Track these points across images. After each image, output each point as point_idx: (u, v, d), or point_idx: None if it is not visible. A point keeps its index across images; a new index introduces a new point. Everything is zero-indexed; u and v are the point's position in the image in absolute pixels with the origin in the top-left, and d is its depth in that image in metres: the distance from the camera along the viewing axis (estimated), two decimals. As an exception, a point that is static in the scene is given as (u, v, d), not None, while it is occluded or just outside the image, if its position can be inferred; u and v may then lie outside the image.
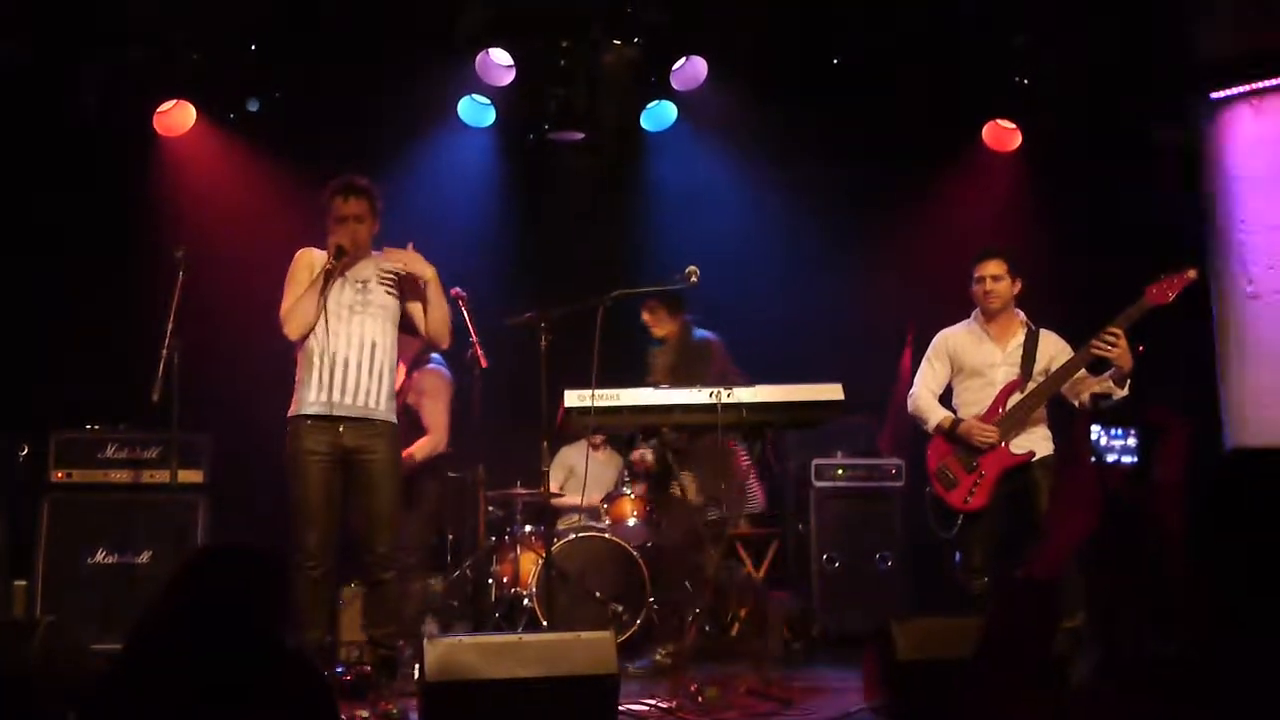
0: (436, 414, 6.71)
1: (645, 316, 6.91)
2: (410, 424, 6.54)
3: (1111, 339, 5.57)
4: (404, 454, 6.17)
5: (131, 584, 6.52)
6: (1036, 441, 5.85)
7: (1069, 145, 8.47)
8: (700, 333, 6.72)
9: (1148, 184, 8.08)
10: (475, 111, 8.58)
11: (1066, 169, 8.49)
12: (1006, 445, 5.80)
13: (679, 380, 6.40)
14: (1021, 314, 6.03)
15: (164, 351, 5.86)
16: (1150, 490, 2.10)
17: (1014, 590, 2.15)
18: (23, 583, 6.80)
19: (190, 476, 6.93)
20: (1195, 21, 7.59)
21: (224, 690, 2.64)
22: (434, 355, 6.73)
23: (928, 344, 6.24)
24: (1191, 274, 5.66)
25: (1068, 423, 5.97)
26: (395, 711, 5.09)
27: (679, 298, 6.73)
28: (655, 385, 6.39)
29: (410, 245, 5.48)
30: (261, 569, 2.79)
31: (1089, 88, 8.10)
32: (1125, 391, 5.73)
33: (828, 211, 8.69)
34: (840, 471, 8.06)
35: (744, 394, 5.49)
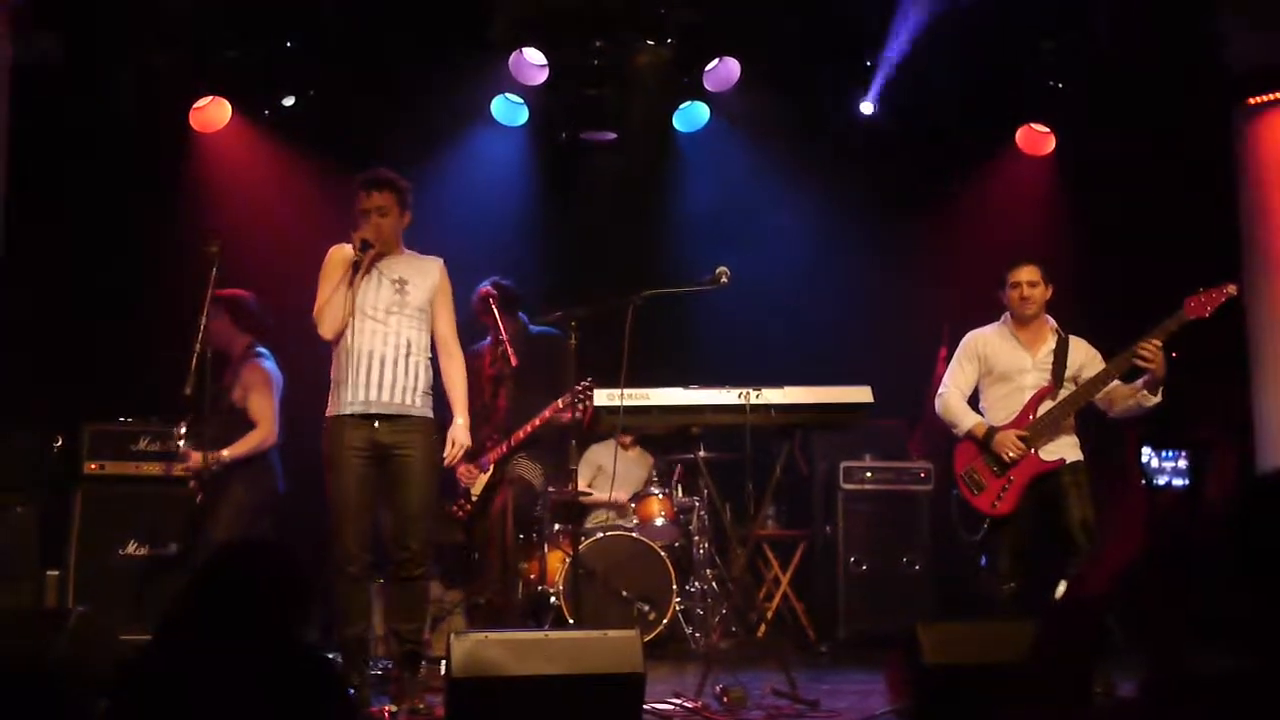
0: (263, 408, 6.41)
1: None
2: (237, 421, 6.40)
3: (1150, 350, 5.56)
4: (221, 454, 6.18)
5: (162, 575, 6.56)
6: (1065, 448, 5.83)
7: (1103, 149, 8.43)
8: (537, 329, 6.66)
9: (1182, 189, 8.03)
10: (508, 110, 8.61)
11: (1100, 173, 8.45)
12: (1036, 452, 5.78)
13: (521, 376, 6.44)
14: (1052, 321, 6.01)
15: (197, 345, 5.89)
16: (1202, 509, 2.11)
17: (1063, 608, 2.15)
18: (55, 573, 6.87)
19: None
20: (1230, 27, 7.54)
21: (244, 685, 2.66)
22: (260, 349, 6.52)
23: (961, 347, 6.22)
24: (1231, 289, 5.63)
25: (1104, 433, 5.94)
26: (421, 707, 5.12)
27: (515, 298, 6.69)
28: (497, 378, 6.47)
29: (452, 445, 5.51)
30: (279, 566, 2.80)
31: (1123, 92, 8.06)
32: (1158, 399, 5.71)
33: (860, 213, 8.67)
34: (868, 474, 8.04)
35: (773, 395, 5.50)
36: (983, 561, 5.92)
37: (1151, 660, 2.03)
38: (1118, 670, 4.73)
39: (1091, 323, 6.18)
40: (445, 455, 5.47)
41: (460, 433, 5.50)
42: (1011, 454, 5.75)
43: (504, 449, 6.62)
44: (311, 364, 5.90)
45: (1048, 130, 8.75)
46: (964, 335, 6.20)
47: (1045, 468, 5.76)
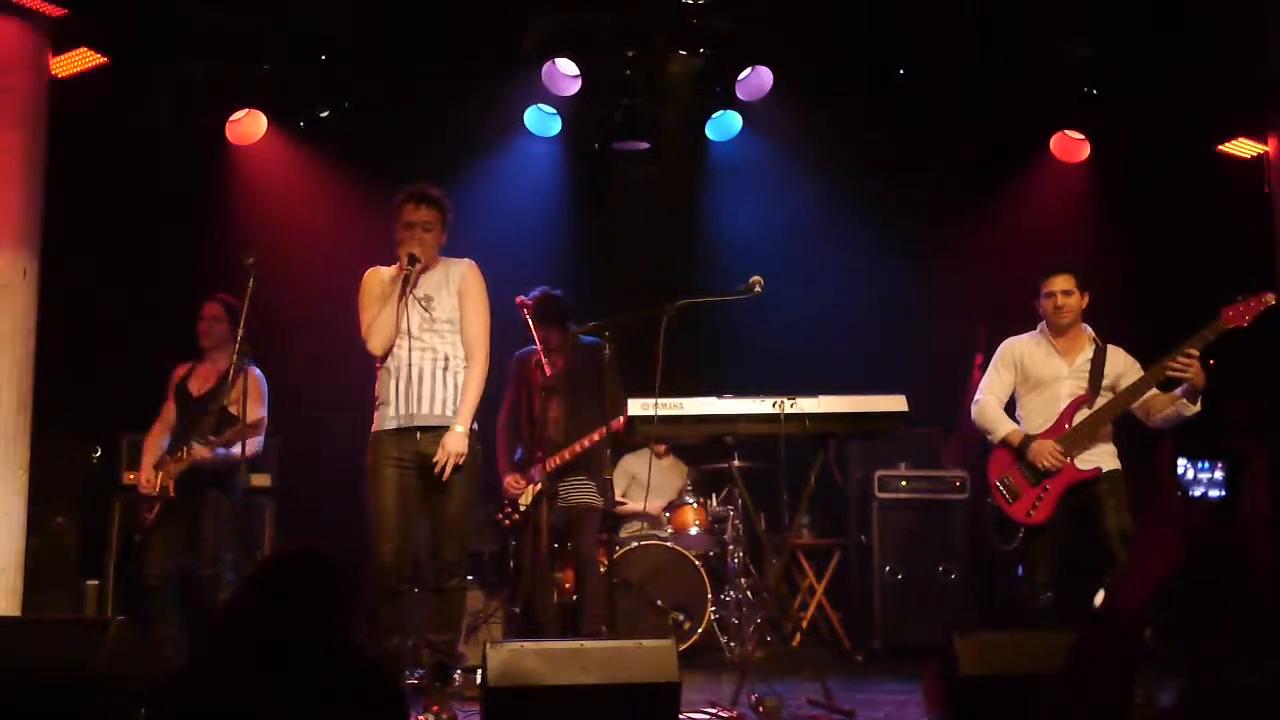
0: (260, 416, 6.32)
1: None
2: (229, 424, 6.39)
3: (1186, 360, 5.51)
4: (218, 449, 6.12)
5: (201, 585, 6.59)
6: (1102, 457, 5.78)
7: (1138, 156, 8.38)
8: (588, 339, 6.60)
9: (1218, 196, 7.98)
10: (541, 121, 8.64)
11: (1136, 180, 8.40)
12: (1073, 460, 5.74)
13: (573, 386, 6.46)
14: (1089, 329, 5.96)
15: (234, 357, 5.93)
16: (1237, 521, 2.10)
17: (1097, 624, 2.13)
18: (94, 583, 6.93)
19: (258, 480, 7.03)
20: (1267, 34, 7.48)
21: (295, 691, 2.66)
22: (250, 358, 6.39)
23: (997, 355, 6.19)
24: (1270, 298, 5.56)
25: (1139, 443, 5.88)
26: (446, 717, 5.12)
27: (555, 309, 6.57)
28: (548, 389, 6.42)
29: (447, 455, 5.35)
30: (333, 572, 2.81)
31: (1159, 98, 8.01)
32: (1197, 408, 5.66)
33: (894, 222, 8.65)
34: (903, 483, 8.02)
35: (807, 404, 5.47)
36: (1019, 571, 5.88)
37: (1191, 671, 2.02)
38: (1157, 681, 4.71)
39: (1128, 331, 6.12)
40: (434, 459, 5.28)
41: (453, 440, 5.29)
42: (1047, 463, 5.71)
43: (552, 464, 6.56)
44: (344, 371, 5.95)
45: (1082, 137, 8.71)
46: (1000, 342, 6.17)
47: (1081, 476, 5.72)
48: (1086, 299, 5.93)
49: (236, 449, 6.10)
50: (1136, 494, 5.77)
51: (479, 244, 5.91)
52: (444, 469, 5.27)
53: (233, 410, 6.16)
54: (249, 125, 8.33)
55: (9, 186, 6.16)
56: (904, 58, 8.35)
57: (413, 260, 5.32)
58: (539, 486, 6.47)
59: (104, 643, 4.05)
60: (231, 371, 6.02)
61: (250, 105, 8.27)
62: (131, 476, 6.64)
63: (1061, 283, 5.89)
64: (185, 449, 6.18)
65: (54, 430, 6.72)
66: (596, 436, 6.39)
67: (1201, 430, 5.88)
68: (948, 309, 8.44)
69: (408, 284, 5.33)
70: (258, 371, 6.43)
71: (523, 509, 6.61)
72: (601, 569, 6.92)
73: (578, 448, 6.50)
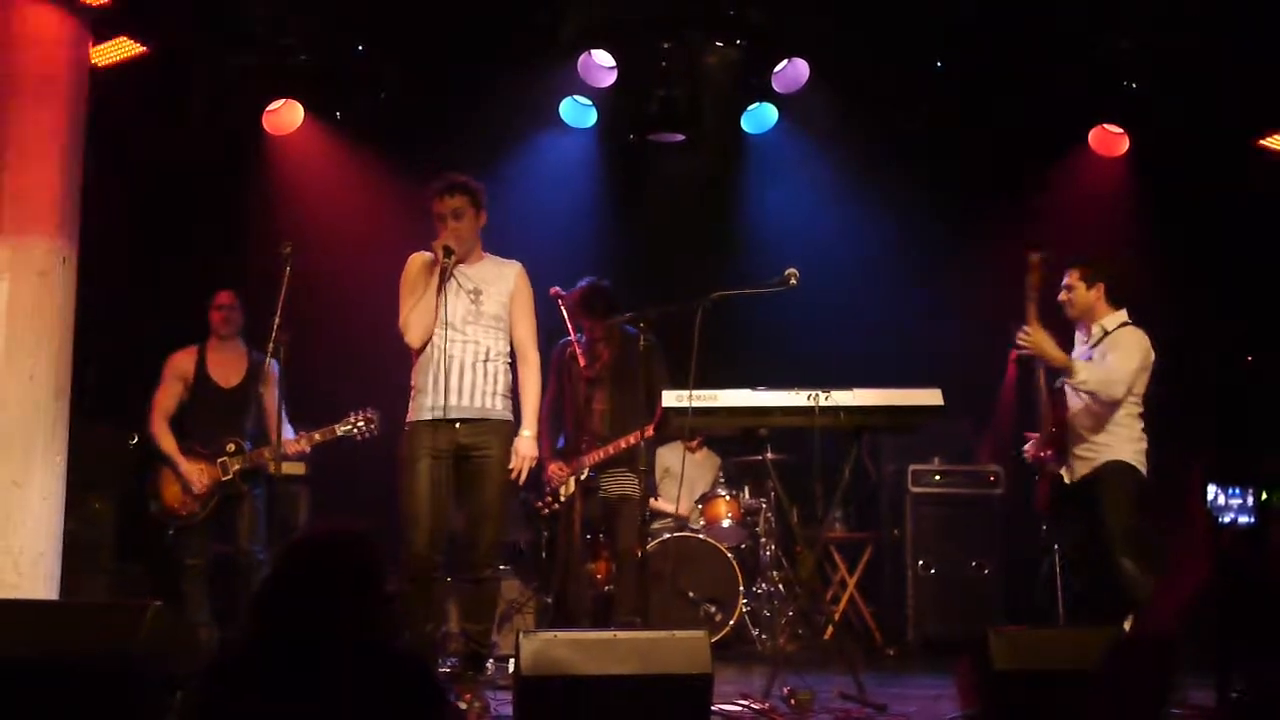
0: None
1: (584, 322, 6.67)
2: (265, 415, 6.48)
3: (1023, 336, 5.70)
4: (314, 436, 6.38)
5: (235, 571, 6.64)
6: (1093, 450, 5.78)
7: (1177, 150, 8.31)
8: (631, 329, 6.58)
9: (1257, 190, 7.91)
10: (577, 112, 8.64)
11: (1174, 174, 8.33)
12: (1051, 454, 5.91)
13: (618, 377, 6.50)
14: (1109, 317, 5.89)
15: (270, 345, 5.97)
16: (1268, 547, 2.10)
17: (1129, 645, 2.13)
18: (132, 567, 6.98)
19: (293, 468, 7.05)
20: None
21: (324, 685, 2.66)
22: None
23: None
24: (1034, 257, 5.73)
25: (1168, 468, 5.84)
26: (478, 705, 5.15)
27: (596, 300, 6.57)
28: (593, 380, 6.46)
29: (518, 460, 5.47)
30: (355, 556, 2.79)
31: (1198, 92, 7.94)
32: (1081, 377, 5.67)
33: (930, 215, 8.62)
34: (937, 478, 8.00)
35: (842, 397, 5.45)
36: None
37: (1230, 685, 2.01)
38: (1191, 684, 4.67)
39: (1163, 326, 6.06)
40: (510, 466, 5.44)
41: (525, 445, 5.48)
42: (1026, 457, 6.03)
43: (596, 456, 6.54)
44: (380, 359, 5.98)
45: (1121, 131, 8.64)
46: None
47: (1054, 472, 5.90)
48: (1098, 290, 5.88)
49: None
50: (1166, 515, 5.74)
51: (514, 236, 5.93)
52: (520, 474, 5.48)
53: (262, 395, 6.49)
54: (286, 115, 8.37)
55: (48, 175, 6.18)
56: (941, 50, 8.30)
57: (448, 252, 5.33)
58: (582, 476, 6.49)
59: (141, 627, 4.07)
60: (268, 358, 6.09)
61: (287, 95, 8.30)
62: (171, 492, 6.61)
63: (1066, 277, 5.95)
64: (235, 443, 6.35)
65: (92, 416, 6.76)
66: (643, 434, 6.37)
67: (1232, 456, 5.88)
68: (984, 301, 8.38)
69: (445, 277, 5.33)
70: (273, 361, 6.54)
71: (563, 498, 6.62)
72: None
73: (622, 443, 6.50)
